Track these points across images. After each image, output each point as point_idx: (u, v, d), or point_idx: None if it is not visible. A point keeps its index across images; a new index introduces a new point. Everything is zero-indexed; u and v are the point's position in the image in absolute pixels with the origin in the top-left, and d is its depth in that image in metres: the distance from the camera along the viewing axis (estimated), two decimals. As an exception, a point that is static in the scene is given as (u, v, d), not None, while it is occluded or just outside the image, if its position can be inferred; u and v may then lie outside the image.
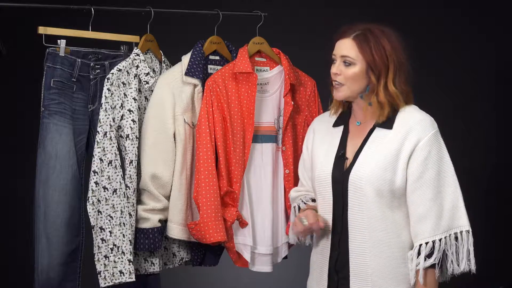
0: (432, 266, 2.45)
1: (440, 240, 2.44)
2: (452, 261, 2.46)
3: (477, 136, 4.44)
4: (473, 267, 2.47)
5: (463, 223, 2.47)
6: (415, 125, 2.48)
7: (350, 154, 2.56)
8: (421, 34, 4.32)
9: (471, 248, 2.47)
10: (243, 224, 2.95)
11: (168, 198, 2.92)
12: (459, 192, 2.48)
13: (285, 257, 3.08)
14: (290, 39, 4.18)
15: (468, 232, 2.47)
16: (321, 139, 2.66)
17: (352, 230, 2.51)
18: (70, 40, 2.96)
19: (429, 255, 2.44)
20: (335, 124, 2.66)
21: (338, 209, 2.54)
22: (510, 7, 4.46)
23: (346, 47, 2.52)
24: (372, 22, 2.55)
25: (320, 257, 2.60)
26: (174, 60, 3.06)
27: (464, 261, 2.46)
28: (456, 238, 2.46)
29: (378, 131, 2.53)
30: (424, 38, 4.34)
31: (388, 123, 2.52)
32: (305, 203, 2.73)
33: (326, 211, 2.58)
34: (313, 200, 2.73)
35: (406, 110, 2.53)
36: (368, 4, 4.50)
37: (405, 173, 2.47)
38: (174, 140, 2.92)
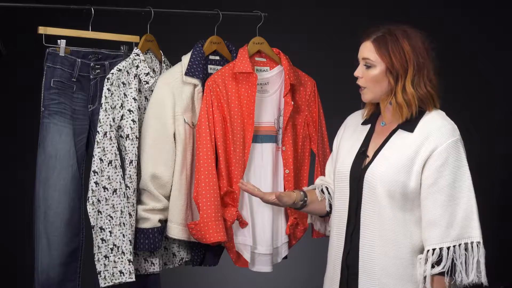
0: (441, 273, 2.44)
1: (448, 248, 2.43)
2: (460, 271, 2.44)
3: (479, 136, 4.44)
4: (483, 279, 2.46)
5: (475, 234, 2.45)
6: (435, 131, 2.48)
7: (371, 152, 2.58)
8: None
9: (482, 260, 2.45)
10: (243, 224, 2.95)
11: (168, 198, 2.92)
12: (474, 203, 2.46)
13: (285, 257, 3.08)
14: (290, 39, 4.18)
15: (479, 244, 2.45)
16: (349, 135, 2.68)
17: (364, 227, 2.52)
18: (70, 40, 2.96)
19: (437, 262, 2.44)
20: (364, 123, 2.67)
21: (353, 205, 2.56)
22: (510, 7, 4.46)
23: (366, 50, 2.53)
24: (398, 23, 2.55)
25: (334, 253, 2.61)
26: (174, 60, 3.06)
27: (473, 272, 2.44)
28: (466, 248, 2.45)
29: (400, 133, 2.54)
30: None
31: (410, 126, 2.52)
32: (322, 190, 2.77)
33: (342, 206, 2.59)
34: (327, 190, 2.76)
35: (430, 115, 2.53)
36: (368, 4, 4.50)
37: (420, 178, 2.47)
38: (174, 140, 2.92)
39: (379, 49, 2.50)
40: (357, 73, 2.54)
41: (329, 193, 2.75)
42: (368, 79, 2.52)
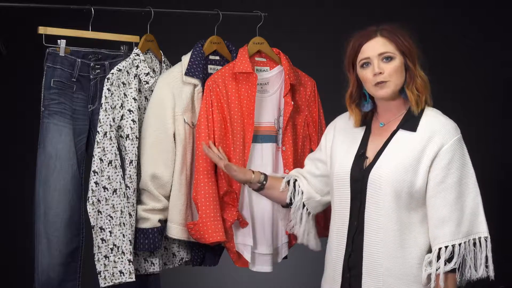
0: (452, 270, 2.46)
1: (459, 244, 2.46)
2: (470, 267, 2.47)
3: (479, 136, 4.44)
4: (491, 273, 2.49)
5: (482, 229, 2.49)
6: (440, 129, 2.49)
7: (370, 153, 2.57)
8: (421, 34, 4.32)
9: (490, 255, 2.49)
10: (243, 224, 2.95)
11: (168, 198, 2.92)
12: (480, 198, 2.49)
13: (285, 257, 3.08)
14: (290, 39, 4.18)
15: (487, 239, 2.49)
16: (342, 137, 2.68)
17: (368, 228, 2.52)
18: (70, 40, 2.96)
19: (449, 260, 2.45)
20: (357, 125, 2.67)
21: (355, 207, 2.55)
22: (510, 7, 4.46)
23: (380, 45, 2.53)
24: (380, 23, 2.58)
25: (334, 255, 2.61)
26: (174, 60, 3.06)
27: (482, 267, 2.48)
28: (475, 244, 2.48)
29: (402, 133, 2.54)
30: (424, 38, 4.34)
31: (412, 126, 2.52)
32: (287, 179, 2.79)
33: (343, 208, 2.59)
34: (294, 184, 2.78)
35: (430, 114, 2.54)
36: (368, 4, 4.50)
37: (427, 176, 2.48)
38: (174, 140, 2.92)
39: (394, 39, 2.53)
40: (377, 69, 2.52)
41: (294, 187, 2.76)
42: (391, 71, 2.52)
